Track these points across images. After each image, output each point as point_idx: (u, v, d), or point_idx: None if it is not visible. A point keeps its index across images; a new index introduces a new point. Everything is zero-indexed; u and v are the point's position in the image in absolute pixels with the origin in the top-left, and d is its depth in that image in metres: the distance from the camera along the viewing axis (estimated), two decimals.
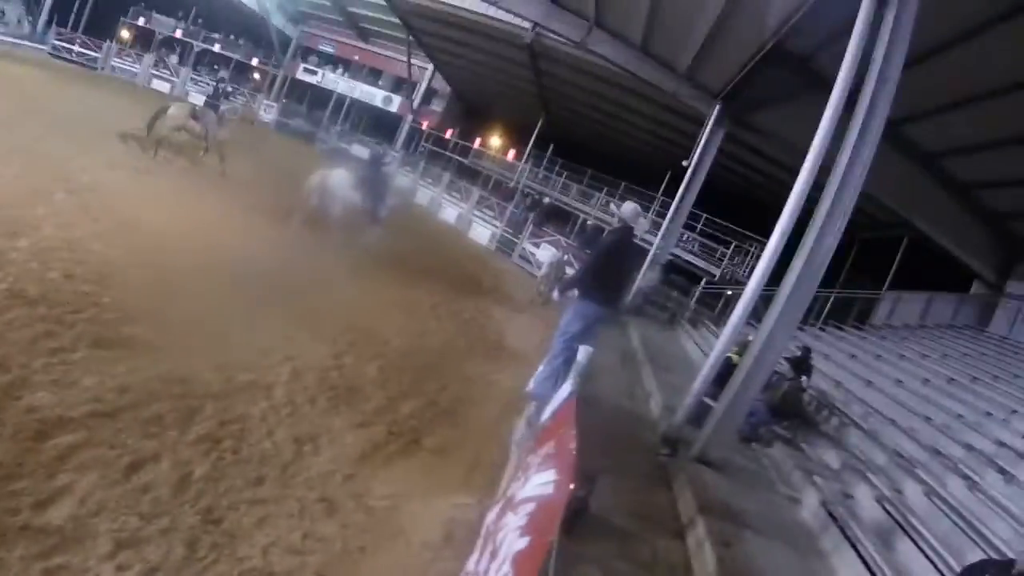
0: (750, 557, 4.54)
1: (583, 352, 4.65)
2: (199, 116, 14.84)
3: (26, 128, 12.05)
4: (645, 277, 17.01)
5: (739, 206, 22.61)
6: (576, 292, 6.73)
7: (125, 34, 35.09)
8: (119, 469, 4.16)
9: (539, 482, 2.86)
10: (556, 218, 26.53)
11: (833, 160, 6.19)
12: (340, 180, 12.01)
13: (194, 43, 36.60)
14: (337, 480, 4.95)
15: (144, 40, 35.80)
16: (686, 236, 21.74)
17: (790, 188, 6.53)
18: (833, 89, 6.28)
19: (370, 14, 31.00)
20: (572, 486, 3.95)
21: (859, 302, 15.74)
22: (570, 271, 16.27)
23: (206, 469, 4.48)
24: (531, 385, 6.60)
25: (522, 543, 2.40)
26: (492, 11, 20.78)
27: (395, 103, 36.05)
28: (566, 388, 4.37)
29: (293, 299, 8.38)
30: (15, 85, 17.62)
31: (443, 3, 23.01)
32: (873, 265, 18.10)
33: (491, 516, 3.61)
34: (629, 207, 6.66)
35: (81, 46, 30.48)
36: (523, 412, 6.41)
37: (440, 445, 6.07)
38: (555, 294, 7.29)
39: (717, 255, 21.45)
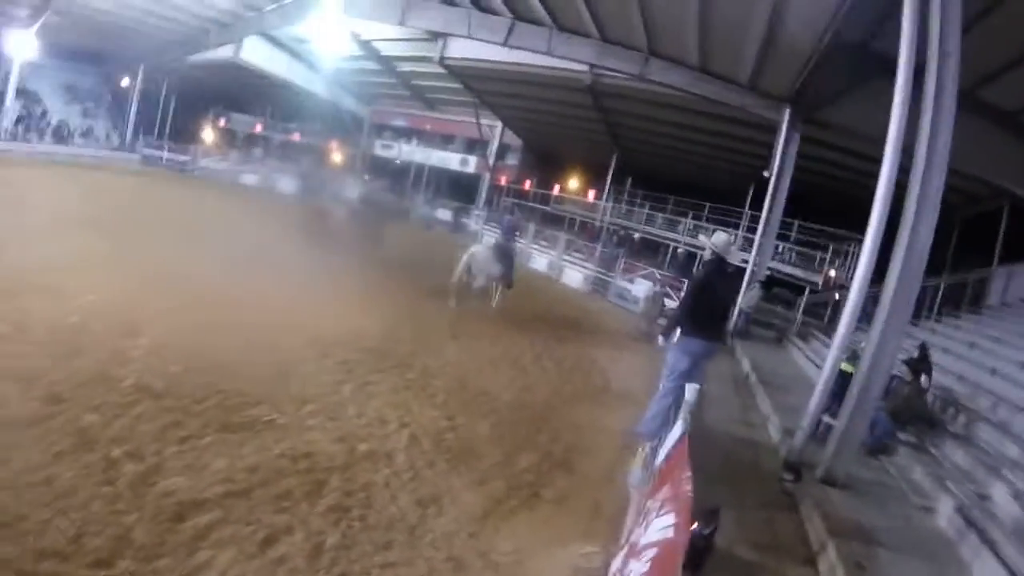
0: None
1: (691, 390, 4.60)
2: None
3: (126, 231, 13.35)
4: (746, 297, 16.51)
5: (830, 207, 21.62)
6: (679, 331, 6.66)
7: (209, 136, 37.62)
8: (255, 543, 4.35)
9: (659, 527, 2.85)
10: (646, 250, 26.24)
11: (914, 142, 5.88)
12: (486, 255, 13.66)
13: (274, 136, 38.89)
14: (462, 538, 4.99)
15: (227, 139, 38.43)
16: (781, 248, 20.94)
17: (877, 180, 6.26)
18: (898, 71, 6.01)
19: (434, 84, 31.98)
20: (695, 525, 3.86)
21: (971, 285, 14.66)
22: (668, 302, 16.01)
23: (337, 538, 4.61)
24: (640, 426, 6.58)
25: None
26: (547, 60, 21.16)
27: (471, 163, 36.93)
28: (677, 429, 4.32)
29: (404, 368, 8.72)
30: (114, 194, 19.23)
31: (499, 61, 23.58)
32: (979, 243, 16.75)
33: (616, 563, 3.56)
34: (720, 237, 6.69)
35: (169, 151, 32.90)
36: (637, 454, 6.29)
37: (559, 495, 6.02)
38: (660, 340, 7.16)
39: (816, 262, 20.51)
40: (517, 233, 17.25)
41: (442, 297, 13.42)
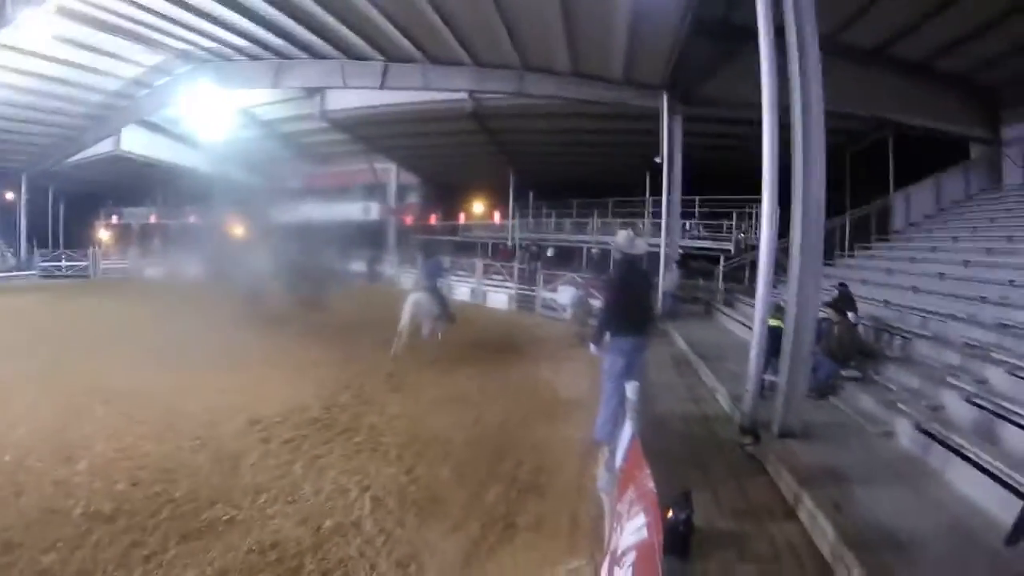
0: (866, 510, 4.42)
1: (631, 389, 4.64)
2: None
3: (42, 352, 12.70)
4: (666, 280, 16.92)
5: (729, 176, 22.30)
6: (608, 334, 6.81)
7: (104, 235, 36.26)
8: None
9: (633, 529, 2.85)
10: (564, 258, 26.54)
11: (788, 98, 6.19)
12: (427, 299, 13.91)
13: (170, 223, 37.77)
14: None
15: (124, 235, 37.14)
16: (688, 225, 21.62)
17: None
18: (759, 36, 6.33)
19: (320, 138, 31.63)
20: (671, 513, 3.93)
21: (875, 215, 15.50)
22: (593, 302, 16.21)
23: None
24: (596, 431, 6.72)
25: None
26: (427, 95, 21.38)
27: (373, 210, 36.60)
28: (627, 429, 4.37)
29: (351, 432, 8.52)
30: (18, 316, 18.34)
31: (379, 105, 23.64)
32: (874, 174, 17.84)
33: (604, 571, 3.55)
34: (621, 236, 6.90)
35: (67, 260, 31.35)
36: (599, 459, 6.30)
37: (534, 519, 5.94)
38: (591, 347, 7.25)
39: (724, 230, 21.22)
40: (441, 272, 17.31)
41: (376, 350, 13.31)
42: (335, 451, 7.78)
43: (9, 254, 31.49)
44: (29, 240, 32.20)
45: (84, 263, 31.41)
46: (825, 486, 4.82)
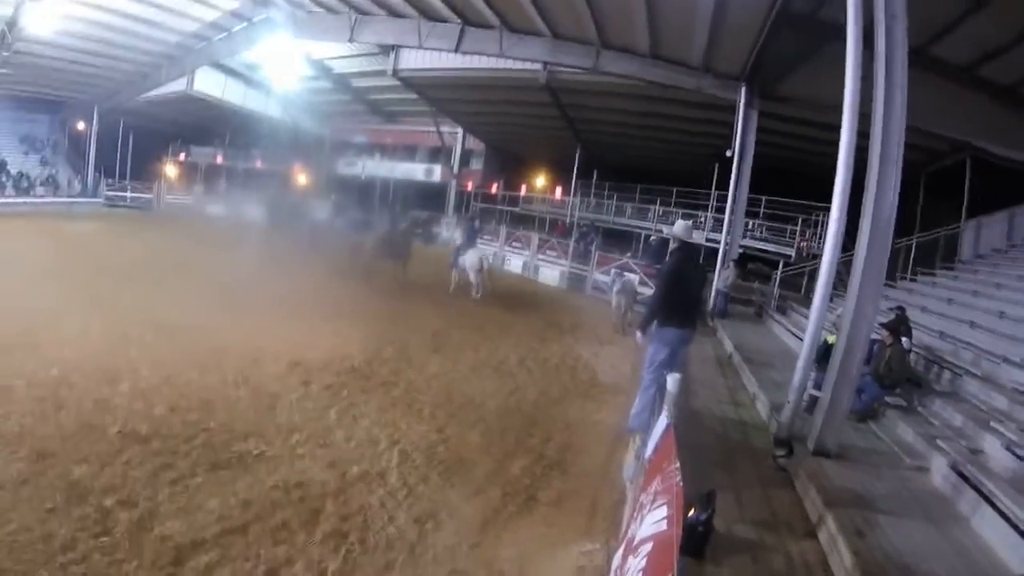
0: (887, 542, 4.28)
1: (672, 380, 4.60)
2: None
3: (98, 280, 13.35)
4: (721, 277, 16.58)
5: (797, 179, 21.61)
6: (655, 323, 6.71)
7: (170, 171, 37.35)
8: None
9: (653, 520, 2.82)
10: (619, 241, 26.23)
11: (871, 105, 5.89)
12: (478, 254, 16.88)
13: (236, 165, 38.89)
14: (463, 551, 4.98)
15: (189, 173, 38.32)
16: (751, 224, 21.04)
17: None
18: (847, 36, 6.02)
19: (391, 96, 31.95)
20: (692, 511, 3.85)
21: (943, 240, 14.83)
22: (641, 289, 16.00)
23: (338, 564, 4.62)
24: (630, 420, 6.69)
25: None
26: (501, 63, 21.17)
27: (436, 172, 36.83)
28: (662, 420, 4.31)
29: (389, 386, 8.74)
30: (79, 243, 19.14)
31: (453, 68, 23.54)
32: (946, 198, 16.98)
33: (616, 558, 3.53)
34: (680, 225, 6.84)
35: (132, 191, 32.68)
36: (629, 448, 6.28)
37: (555, 497, 6.00)
38: (637, 335, 7.14)
39: (788, 235, 20.59)
40: (479, 235, 20.53)
41: (423, 307, 13.80)
42: (371, 402, 7.98)
43: (77, 181, 32.62)
44: (97, 170, 33.25)
45: (148, 196, 32.52)
46: (850, 511, 4.68)
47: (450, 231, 29.46)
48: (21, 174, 30.21)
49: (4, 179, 29.51)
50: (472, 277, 16.67)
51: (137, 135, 34.55)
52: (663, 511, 2.73)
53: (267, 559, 4.54)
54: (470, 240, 18.20)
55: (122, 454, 5.82)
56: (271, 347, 9.83)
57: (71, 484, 5.22)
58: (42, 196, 29.55)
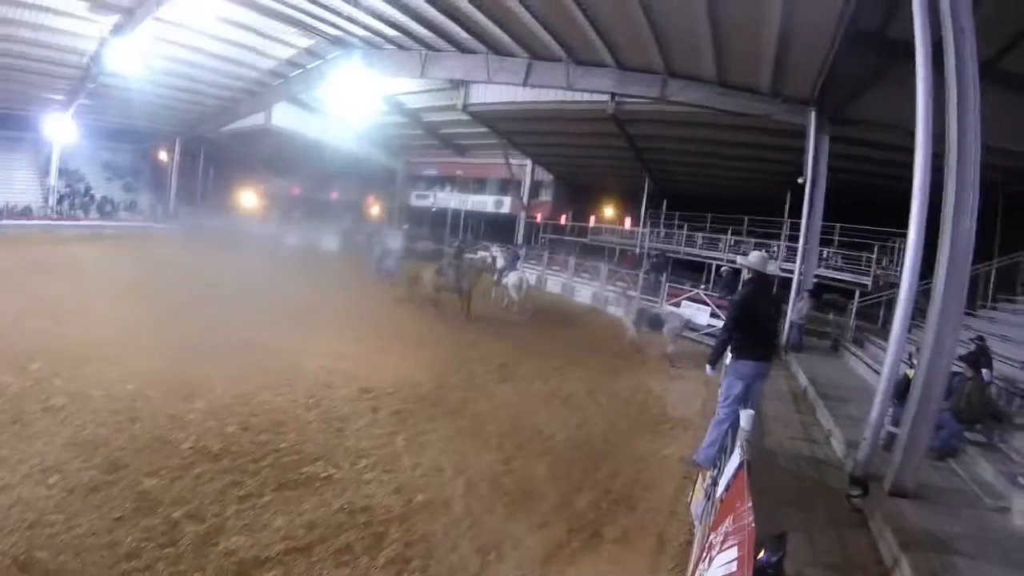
0: None
1: (745, 417, 4.43)
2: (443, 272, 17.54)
3: (179, 298, 14.24)
4: (795, 309, 16.02)
5: (872, 205, 20.81)
6: (731, 356, 6.56)
7: (248, 201, 38.65)
8: None
9: (722, 562, 2.78)
10: (690, 271, 25.78)
11: (944, 124, 5.61)
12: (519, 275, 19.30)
13: (312, 196, 40.21)
14: None
15: (267, 202, 39.48)
16: (825, 253, 20.29)
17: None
18: (916, 54, 5.78)
19: (461, 130, 32.67)
20: (762, 553, 3.66)
21: None
22: (653, 310, 16.05)
23: None
24: (699, 454, 6.50)
25: None
26: (569, 95, 21.38)
27: (506, 204, 37.30)
28: (735, 458, 4.18)
29: (457, 414, 8.83)
30: (162, 263, 20.29)
31: (521, 102, 23.87)
32: None
33: None
34: (755, 255, 6.67)
35: (211, 219, 34.03)
36: (697, 484, 6.08)
37: (621, 533, 5.89)
38: (708, 369, 6.96)
39: (863, 263, 19.74)
40: (519, 260, 24.25)
41: (488, 337, 14.08)
42: (438, 430, 8.07)
43: (159, 206, 34.42)
44: (177, 197, 35.08)
45: (226, 224, 33.64)
46: (927, 553, 4.42)
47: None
48: (105, 198, 32.22)
49: (88, 203, 31.47)
50: (513, 294, 19.28)
51: (216, 165, 36.20)
52: (733, 552, 2.68)
53: None
54: (512, 264, 21.74)
55: (193, 469, 6.05)
56: (341, 369, 10.15)
57: (141, 495, 5.46)
58: (125, 220, 31.39)
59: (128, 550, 4.65)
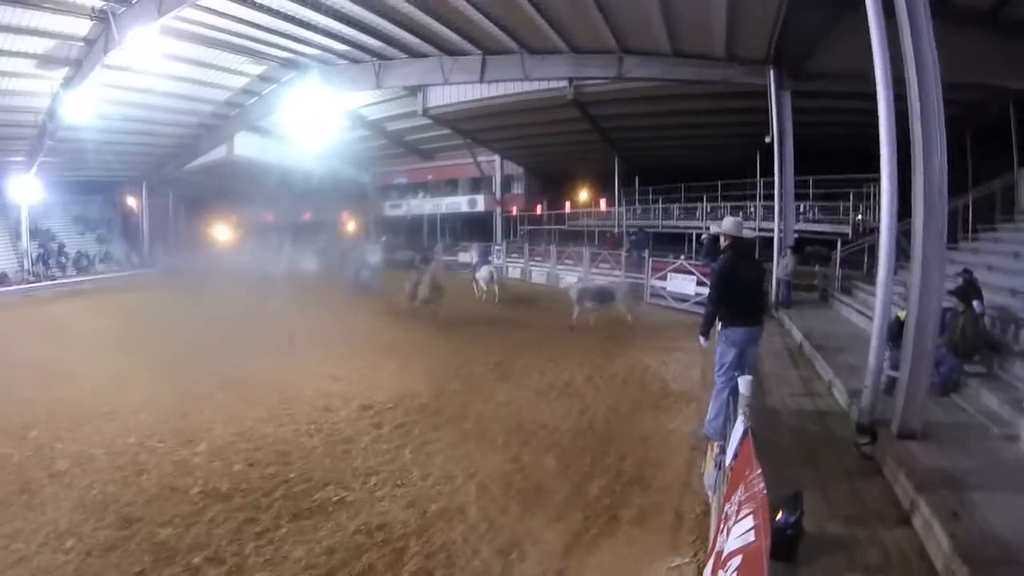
0: (983, 520, 4.04)
1: (743, 383, 4.43)
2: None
3: (164, 343, 14.15)
4: (780, 266, 16.13)
5: (843, 154, 20.84)
6: (720, 325, 6.56)
7: (222, 234, 38.42)
8: None
9: (739, 532, 2.73)
10: (671, 244, 25.85)
11: (902, 69, 5.66)
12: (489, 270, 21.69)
13: (285, 221, 40.06)
14: None
15: (241, 234, 39.25)
16: (803, 207, 20.45)
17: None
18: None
19: (425, 135, 32.69)
20: (779, 515, 3.70)
21: (999, 193, 14.10)
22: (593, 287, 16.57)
23: None
24: (706, 426, 6.58)
25: None
26: (526, 86, 21.41)
27: (480, 202, 37.34)
28: (739, 426, 4.17)
29: (459, 419, 8.81)
30: (141, 309, 20.18)
31: (480, 99, 23.86)
32: (995, 149, 16.15)
33: (707, 573, 3.43)
34: (728, 221, 6.67)
35: (186, 258, 33.52)
36: (708, 455, 6.11)
37: (638, 514, 5.87)
38: (701, 339, 6.98)
39: (841, 212, 19.92)
40: (489, 256, 27.82)
41: (480, 340, 14.04)
42: (443, 438, 8.05)
43: (133, 254, 34.11)
44: (151, 241, 34.74)
45: (202, 260, 33.21)
46: (943, 492, 4.44)
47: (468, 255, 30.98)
48: (80, 253, 31.81)
49: (64, 260, 31.10)
50: (484, 286, 21.47)
51: (186, 203, 35.87)
52: (749, 521, 2.65)
53: None
54: (483, 259, 25.14)
55: (205, 512, 6.00)
56: (338, 391, 10.13)
57: (158, 546, 5.41)
58: (102, 272, 31.00)
59: None
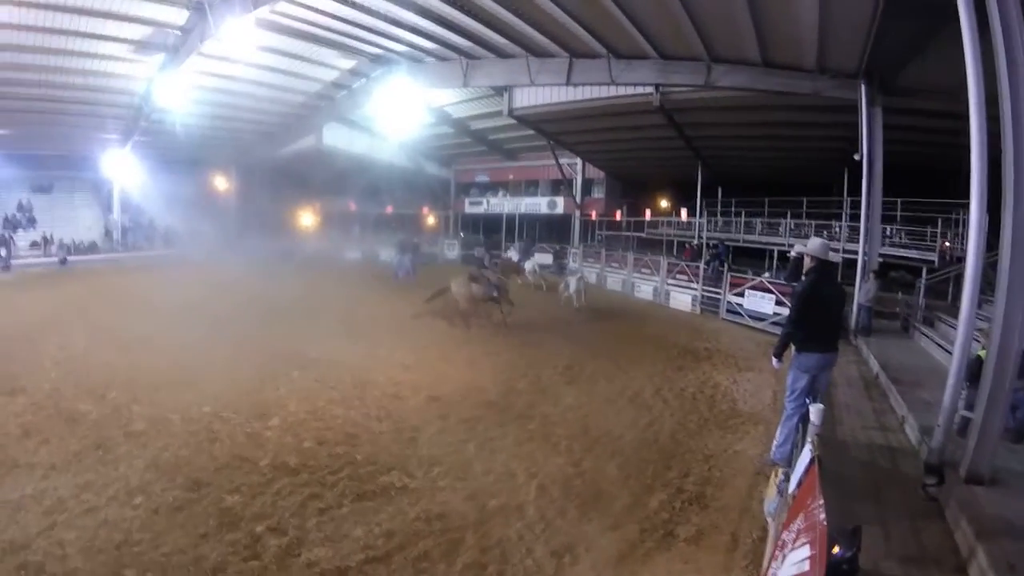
0: None
1: (815, 411, 4.29)
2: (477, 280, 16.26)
3: (248, 321, 14.70)
4: (862, 291, 15.44)
5: (933, 176, 19.82)
6: (793, 349, 6.40)
7: (306, 221, 39.60)
8: None
9: (795, 560, 2.76)
10: (750, 259, 25.15)
11: (996, 88, 5.30)
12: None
13: (367, 211, 41.21)
14: None
15: (324, 221, 40.48)
16: (888, 230, 19.49)
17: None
18: (960, 15, 5.46)
19: (509, 135, 32.98)
20: (836, 549, 3.52)
21: None
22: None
23: None
24: (772, 451, 6.49)
25: None
26: (612, 90, 21.26)
27: (559, 204, 37.46)
28: (805, 454, 4.07)
29: (525, 419, 8.84)
30: (231, 289, 20.50)
31: (565, 101, 23.79)
32: None
33: None
34: (815, 242, 6.48)
35: (271, 240, 34.59)
36: (771, 480, 5.97)
37: (694, 532, 5.79)
38: (774, 362, 6.75)
39: (929, 238, 18.91)
40: (531, 252, 29.05)
41: (550, 339, 14.27)
42: (508, 436, 8.11)
43: (220, 233, 35.24)
44: (237, 222, 36.26)
45: (286, 245, 34.42)
46: (1003, 543, 4.21)
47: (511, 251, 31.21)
48: (168, 228, 33.77)
49: (152, 234, 33.13)
50: (529, 279, 24.20)
51: (273, 188, 37.05)
52: (805, 551, 2.66)
53: None
54: (525, 255, 27.74)
55: (272, 484, 6.25)
56: (408, 380, 10.37)
57: (223, 511, 5.67)
58: (187, 248, 32.41)
59: (213, 564, 4.82)
